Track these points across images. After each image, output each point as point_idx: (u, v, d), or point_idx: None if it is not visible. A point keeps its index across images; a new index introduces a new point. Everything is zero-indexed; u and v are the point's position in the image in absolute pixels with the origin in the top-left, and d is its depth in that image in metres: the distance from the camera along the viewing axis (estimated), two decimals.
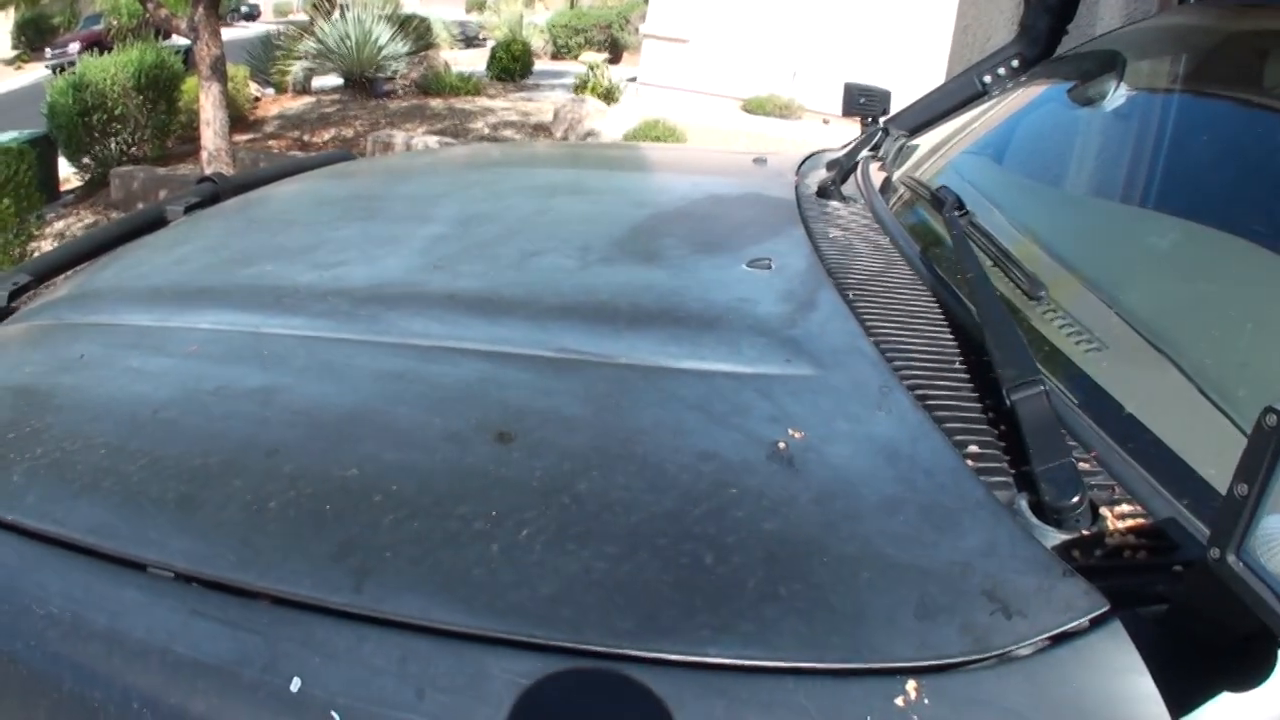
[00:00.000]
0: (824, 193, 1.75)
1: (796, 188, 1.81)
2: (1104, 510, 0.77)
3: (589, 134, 11.51)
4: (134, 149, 11.22)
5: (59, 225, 9.77)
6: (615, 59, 19.81)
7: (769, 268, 1.27)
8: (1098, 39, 2.31)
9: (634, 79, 15.84)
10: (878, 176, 1.97)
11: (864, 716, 0.62)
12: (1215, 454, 0.81)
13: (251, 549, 0.82)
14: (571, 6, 25.15)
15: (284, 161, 2.85)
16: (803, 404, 0.92)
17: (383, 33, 13.60)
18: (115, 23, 18.37)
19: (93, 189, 11.05)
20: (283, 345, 1.20)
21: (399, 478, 0.87)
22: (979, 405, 0.93)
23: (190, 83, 12.17)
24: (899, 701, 0.62)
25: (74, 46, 24.54)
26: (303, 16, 22.46)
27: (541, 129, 12.26)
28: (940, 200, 1.40)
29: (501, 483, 0.84)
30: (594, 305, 1.19)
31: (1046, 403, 0.85)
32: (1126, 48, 2.05)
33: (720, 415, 0.91)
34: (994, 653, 0.65)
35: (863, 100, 2.51)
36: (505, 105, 13.89)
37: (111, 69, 11.14)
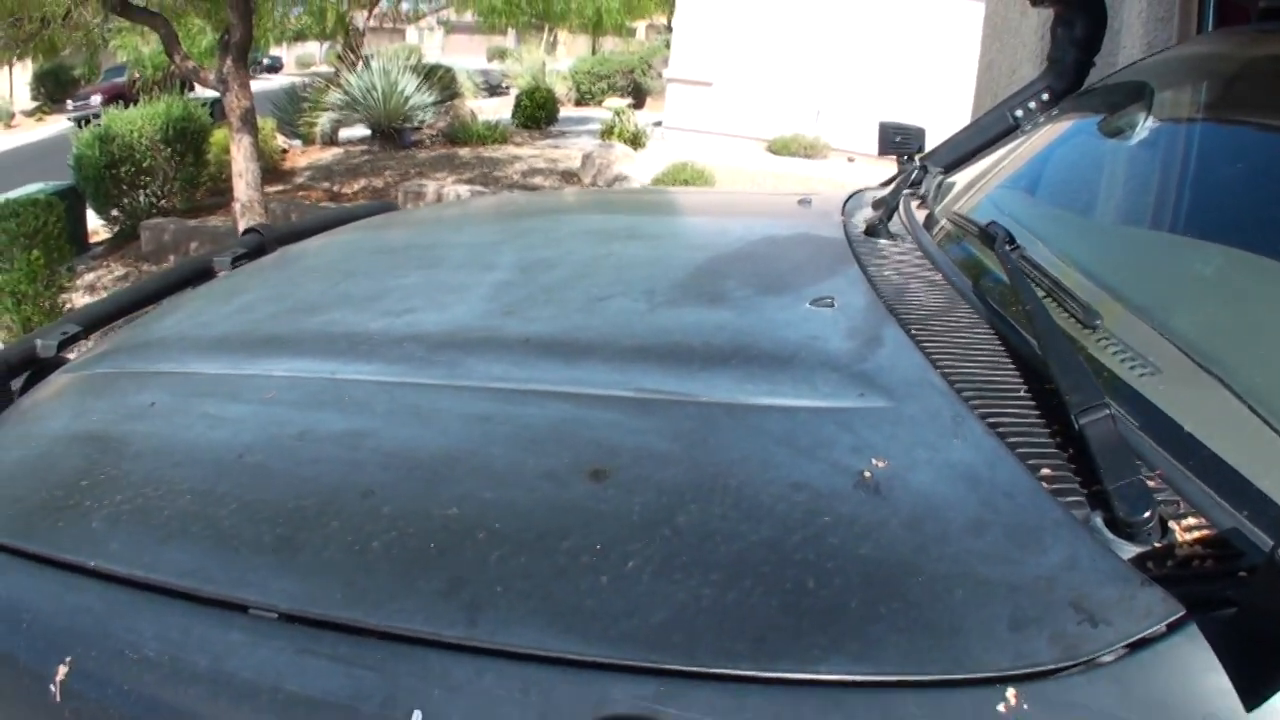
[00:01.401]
0: (872, 231, 1.80)
1: (844, 227, 1.87)
2: (1172, 524, 0.82)
3: (617, 178, 11.64)
4: (163, 201, 11.37)
5: (89, 277, 9.93)
6: (639, 104, 20.00)
7: (832, 305, 1.33)
8: (1123, 70, 2.36)
9: (659, 123, 16.02)
10: (920, 213, 2.03)
11: (969, 711, 0.67)
12: (1271, 466, 0.86)
13: (358, 588, 0.86)
14: (594, 53, 25.41)
15: (327, 213, 2.93)
16: (881, 434, 0.96)
17: (409, 83, 13.79)
18: (138, 75, 18.65)
19: (122, 241, 11.20)
20: (363, 390, 1.24)
21: (500, 516, 0.90)
22: (1047, 430, 0.98)
23: (218, 135, 12.35)
24: (1001, 708, 0.66)
25: (96, 99, 24.87)
26: (325, 68, 22.79)
27: (570, 175, 12.40)
28: (990, 236, 1.45)
29: (602, 518, 0.88)
30: (668, 346, 1.23)
31: (1113, 425, 0.90)
32: (1152, 78, 2.11)
33: (805, 448, 0.95)
34: (1083, 659, 0.69)
35: (898, 138, 2.54)
36: (533, 153, 14.08)
37: (138, 121, 11.31)
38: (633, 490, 0.91)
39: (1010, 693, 0.67)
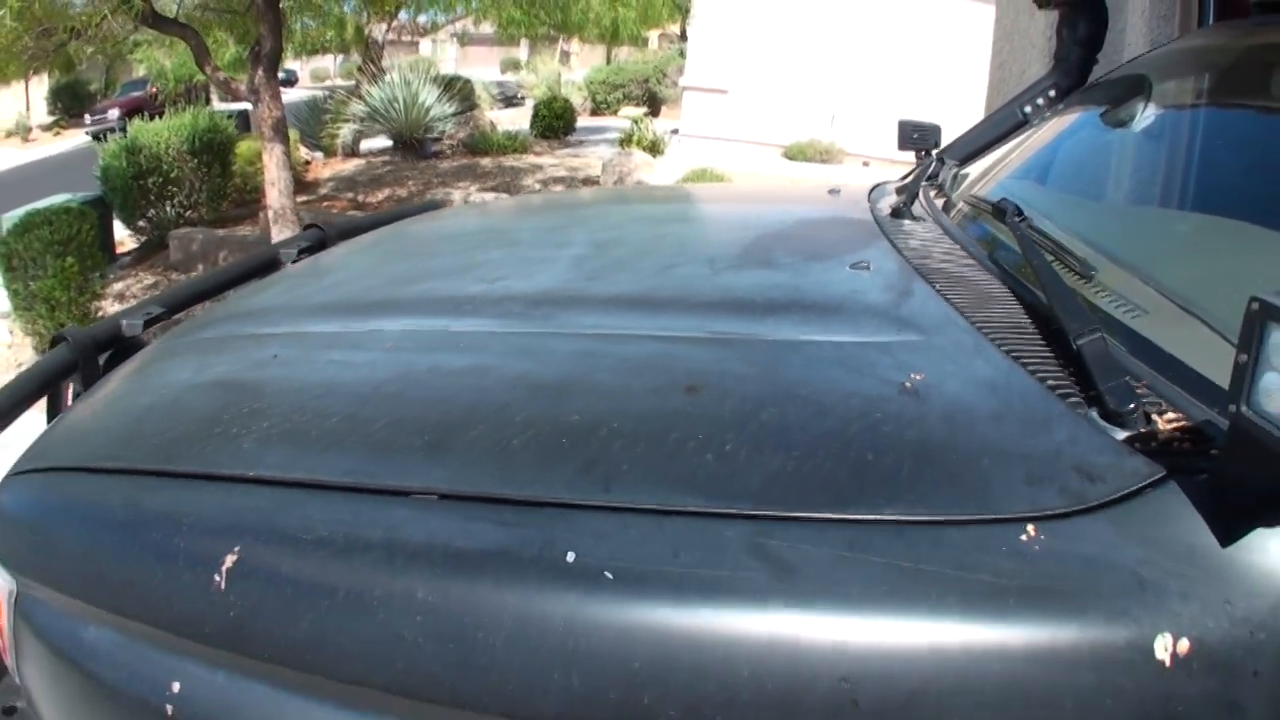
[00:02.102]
0: (896, 214, 2.01)
1: (871, 211, 2.09)
2: (1154, 416, 1.03)
3: (638, 184, 11.86)
4: (189, 212, 11.53)
5: (117, 286, 10.12)
6: (654, 112, 20.24)
7: (868, 269, 1.54)
8: (1124, 65, 2.56)
9: (675, 131, 16.20)
10: (938, 200, 2.24)
11: (1000, 548, 0.87)
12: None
13: (508, 473, 1.02)
14: (608, 62, 25.67)
15: (380, 213, 3.17)
16: (918, 358, 1.16)
17: (430, 95, 14.02)
18: (155, 89, 18.84)
19: (149, 251, 11.37)
20: (475, 338, 1.40)
21: (617, 419, 1.09)
22: (1052, 353, 1.19)
23: (244, 146, 12.54)
24: (1023, 538, 0.86)
25: (114, 113, 24.97)
26: (340, 81, 23.02)
27: (590, 183, 12.61)
28: (1002, 209, 1.67)
29: (701, 418, 1.07)
30: (733, 300, 1.43)
31: (1104, 344, 1.11)
32: (1152, 71, 2.32)
33: (856, 368, 1.15)
34: (1084, 506, 0.89)
35: (915, 135, 2.71)
36: (553, 162, 14.28)
37: (165, 133, 11.46)
38: (723, 399, 1.11)
39: (1030, 528, 0.87)
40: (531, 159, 14.39)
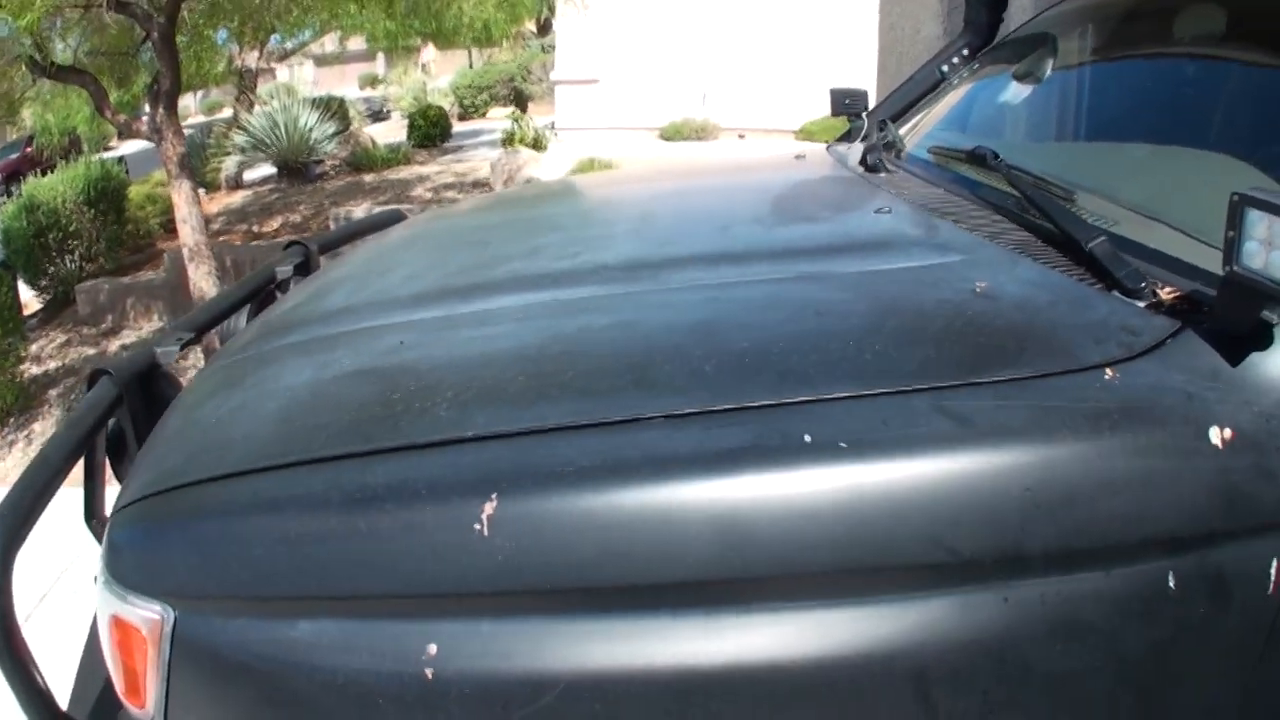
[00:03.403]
0: (872, 169, 2.34)
1: (849, 169, 2.42)
2: (1160, 290, 1.39)
3: (528, 180, 12.08)
4: (89, 264, 11.31)
5: (33, 349, 9.89)
6: (522, 109, 20.39)
7: (890, 213, 1.87)
8: (1027, 24, 2.94)
9: (551, 125, 16.35)
10: (895, 155, 2.57)
11: (1095, 385, 1.18)
12: (1197, 257, 1.41)
13: (718, 391, 1.22)
14: (471, 67, 25.70)
15: (350, 225, 3.33)
16: (973, 272, 1.48)
17: (310, 118, 14.00)
18: (33, 148, 18.29)
19: (56, 308, 11.15)
20: (597, 303, 1.55)
21: (778, 341, 1.34)
22: (1069, 258, 1.54)
23: (133, 191, 12.45)
24: (1106, 376, 1.19)
25: None
26: (202, 118, 22.62)
27: (480, 185, 12.76)
28: (980, 155, 2.02)
29: (841, 332, 1.34)
30: (799, 247, 1.73)
31: (1110, 244, 1.48)
32: (1053, 28, 2.71)
33: (932, 283, 1.46)
34: (1136, 352, 1.23)
35: (847, 101, 2.97)
36: (437, 169, 14.37)
37: (60, 187, 11.24)
38: (847, 317, 1.41)
39: (1108, 371, 1.21)
40: (416, 169, 14.46)
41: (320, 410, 1.41)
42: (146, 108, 7.87)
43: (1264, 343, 1.24)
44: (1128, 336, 1.28)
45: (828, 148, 2.97)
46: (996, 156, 1.98)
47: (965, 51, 3.12)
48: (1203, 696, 1.18)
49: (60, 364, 9.38)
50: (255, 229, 12.16)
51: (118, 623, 1.29)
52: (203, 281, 7.44)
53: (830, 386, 1.22)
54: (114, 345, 9.57)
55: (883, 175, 2.29)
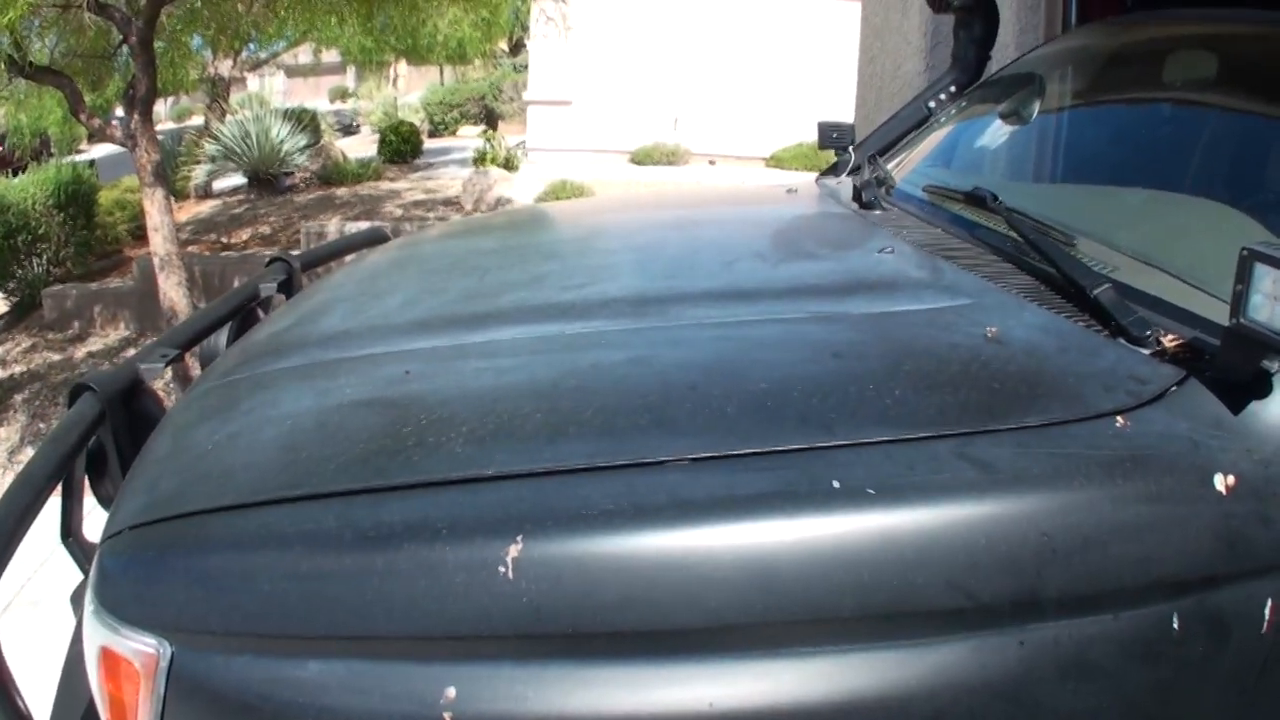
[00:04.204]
0: (867, 206, 2.38)
1: (845, 205, 2.44)
2: (1164, 338, 1.43)
3: (499, 201, 12.09)
4: (57, 268, 11.18)
5: None
6: (492, 128, 20.41)
7: (893, 253, 1.90)
8: (1012, 64, 3.00)
9: (522, 144, 16.36)
10: (887, 192, 2.59)
11: (1108, 433, 1.21)
12: (1213, 311, 1.46)
13: (739, 433, 1.23)
14: (442, 83, 25.68)
15: (331, 243, 3.33)
16: (983, 316, 1.52)
17: (282, 129, 13.96)
18: (4, 144, 18.08)
19: (22, 313, 10.99)
20: (607, 338, 1.56)
21: (796, 383, 1.36)
22: (1074, 304, 1.56)
23: (105, 195, 12.33)
24: (1119, 423, 1.23)
25: None
26: (171, 125, 22.43)
27: (451, 203, 12.77)
28: (979, 196, 2.06)
29: (860, 374, 1.38)
30: (805, 286, 1.76)
31: (1115, 291, 1.52)
32: (1039, 68, 2.76)
33: (945, 327, 1.50)
34: (1144, 400, 1.27)
35: (835, 135, 3.01)
36: (408, 186, 14.37)
37: (30, 188, 11.10)
38: (863, 359, 1.45)
39: (1119, 419, 1.25)
40: (386, 185, 14.45)
41: (325, 441, 1.38)
42: (119, 112, 7.78)
43: (1263, 391, 1.28)
44: (1136, 385, 1.31)
45: (817, 181, 3.00)
46: (996, 198, 2.01)
47: (952, 88, 3.17)
48: None
49: (25, 369, 9.29)
50: (224, 240, 12.12)
51: (108, 655, 1.24)
52: (173, 291, 7.38)
53: (855, 432, 1.24)
54: (80, 352, 9.49)
55: (878, 213, 2.32)
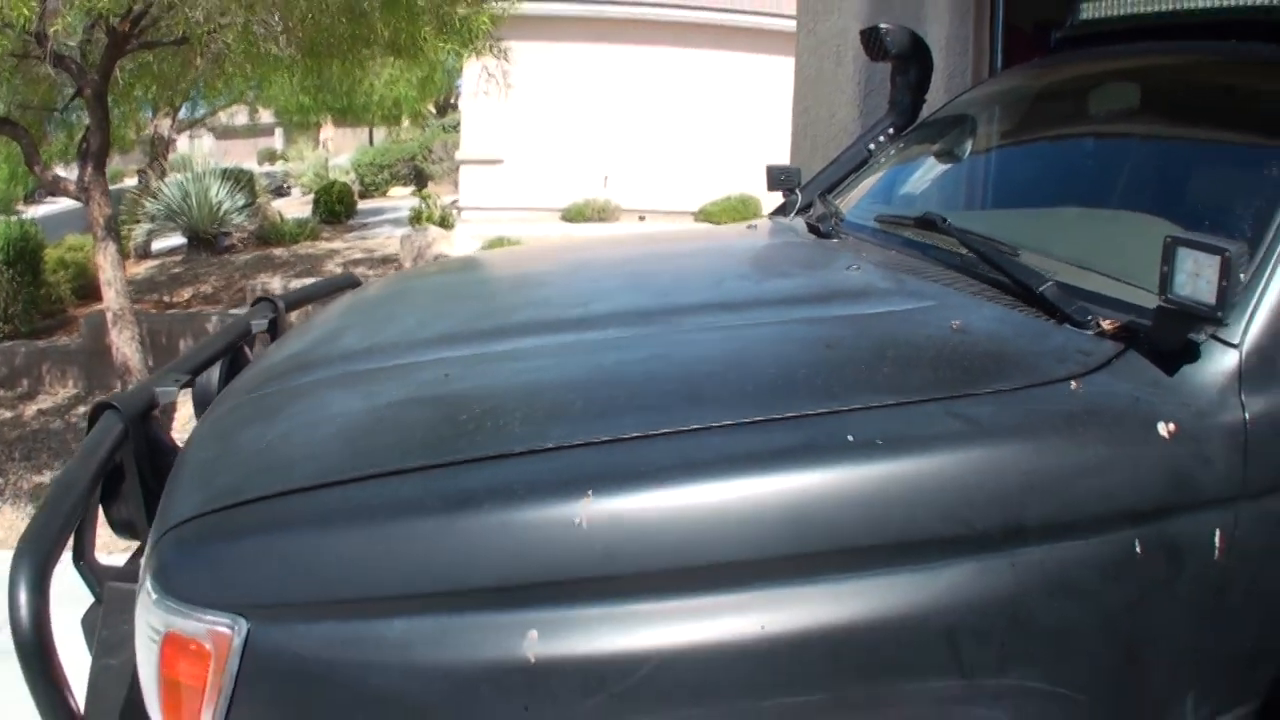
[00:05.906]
0: (824, 236, 2.60)
1: (800, 236, 2.65)
2: (1103, 322, 1.67)
3: (438, 258, 12.24)
4: (5, 324, 11.02)
5: None
6: (422, 187, 20.52)
7: (860, 269, 2.13)
8: (947, 105, 3.25)
9: (454, 203, 16.52)
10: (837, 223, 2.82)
11: (1064, 393, 1.47)
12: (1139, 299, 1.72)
13: (764, 405, 1.44)
14: (372, 144, 25.78)
15: (311, 286, 3.45)
16: (947, 313, 1.76)
17: (221, 189, 13.99)
18: None
19: None
20: (623, 342, 1.75)
21: (802, 368, 1.60)
22: (1022, 300, 1.80)
23: (51, 253, 12.20)
24: (1073, 386, 1.48)
25: None
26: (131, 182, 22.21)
27: (390, 261, 12.87)
28: (930, 220, 2.30)
29: (851, 360, 1.65)
30: (788, 296, 2.00)
31: (1058, 288, 1.76)
32: (971, 109, 3.04)
33: (917, 324, 1.74)
34: (1091, 368, 1.52)
35: (783, 177, 3.21)
36: (345, 245, 14.46)
37: None
38: (854, 349, 1.69)
39: (1073, 383, 1.50)
40: (324, 245, 14.51)
41: (386, 432, 1.54)
42: (58, 170, 7.70)
43: (1193, 356, 1.55)
44: (1083, 357, 1.57)
45: (770, 218, 3.23)
46: (945, 221, 2.26)
47: (891, 130, 3.38)
48: (1168, 644, 1.48)
49: None
50: (166, 299, 12.08)
51: (173, 639, 1.32)
52: (126, 347, 7.31)
53: (858, 399, 1.48)
54: (30, 410, 9.40)
55: (835, 241, 2.54)
